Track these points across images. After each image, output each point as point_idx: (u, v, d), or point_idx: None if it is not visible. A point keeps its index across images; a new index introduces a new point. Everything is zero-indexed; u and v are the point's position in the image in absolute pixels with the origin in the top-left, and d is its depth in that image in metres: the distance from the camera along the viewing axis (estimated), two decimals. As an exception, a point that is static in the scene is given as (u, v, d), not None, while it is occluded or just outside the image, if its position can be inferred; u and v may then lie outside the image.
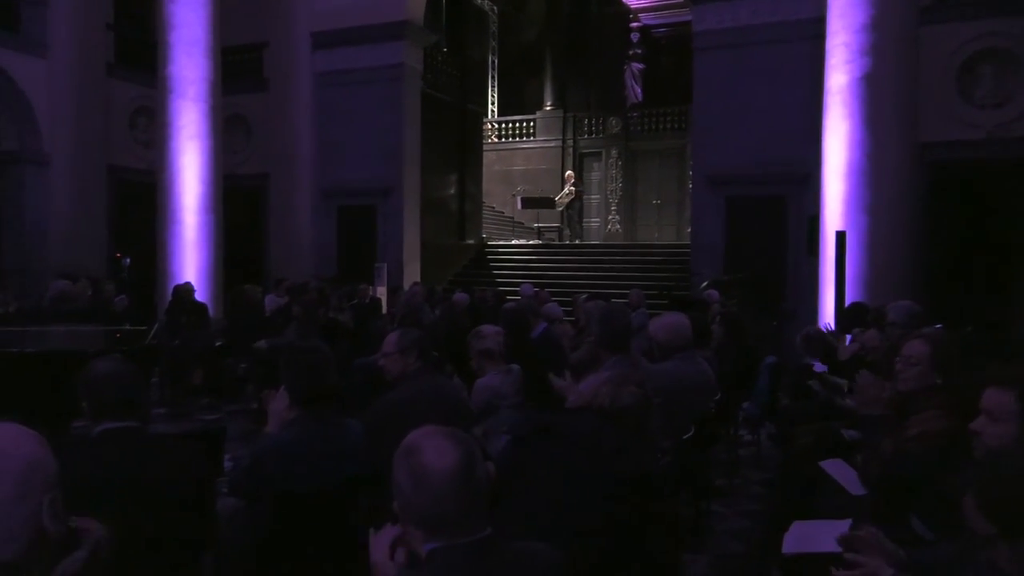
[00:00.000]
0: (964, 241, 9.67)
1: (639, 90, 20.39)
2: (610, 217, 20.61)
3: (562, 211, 18.16)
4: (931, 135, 9.53)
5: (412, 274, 13.52)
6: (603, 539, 2.43)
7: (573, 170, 20.96)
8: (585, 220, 21.42)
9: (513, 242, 17.83)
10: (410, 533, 1.58)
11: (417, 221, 13.96)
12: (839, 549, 2.13)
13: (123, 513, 1.68)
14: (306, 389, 2.81)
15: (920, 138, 9.39)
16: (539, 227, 18.33)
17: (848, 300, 8.30)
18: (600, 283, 12.95)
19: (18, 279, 11.48)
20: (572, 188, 18.07)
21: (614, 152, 20.72)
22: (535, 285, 10.10)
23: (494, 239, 17.96)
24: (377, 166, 13.42)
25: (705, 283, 10.08)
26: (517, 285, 10.33)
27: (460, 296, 8.36)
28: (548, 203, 18.23)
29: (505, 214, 20.66)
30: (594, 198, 21.28)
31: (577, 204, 18.10)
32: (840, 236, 8.66)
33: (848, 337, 5.77)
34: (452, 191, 15.77)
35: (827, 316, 8.83)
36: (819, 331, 5.89)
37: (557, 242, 18.86)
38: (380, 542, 1.74)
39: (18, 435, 1.21)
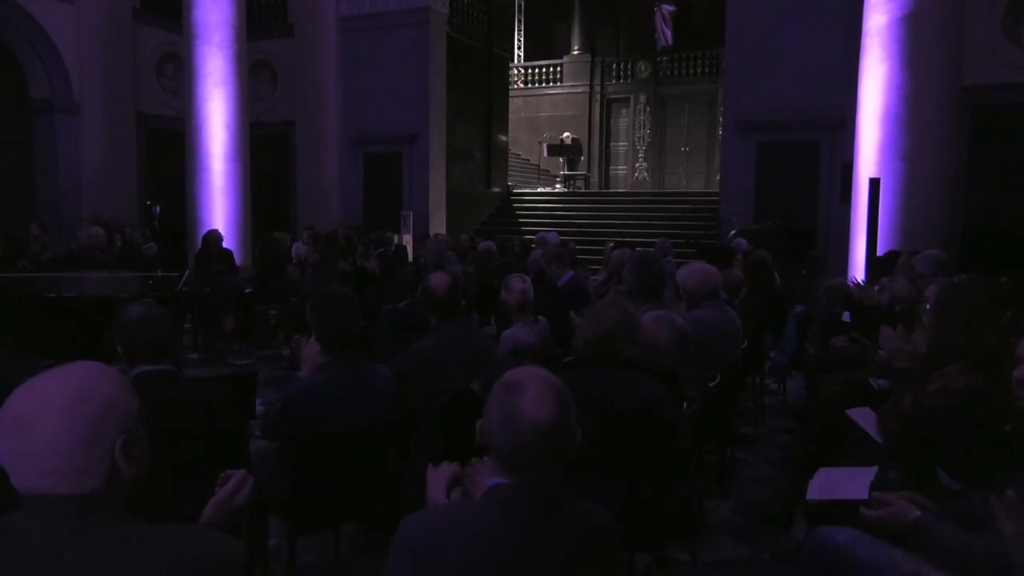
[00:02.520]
0: (1007, 189, 9.40)
1: (669, 33, 19.85)
2: (637, 165, 20.35)
3: (563, 161, 17.99)
4: (974, 78, 9.17)
5: (438, 222, 13.53)
6: (628, 486, 2.46)
7: (601, 117, 20.67)
8: (612, 168, 21.17)
9: (539, 190, 17.71)
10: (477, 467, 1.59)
11: (443, 168, 13.90)
12: (864, 496, 2.13)
13: (160, 453, 1.73)
14: (332, 335, 2.85)
15: (962, 81, 9.05)
16: (565, 174, 18.17)
17: (881, 250, 8.16)
18: (626, 231, 12.85)
19: (55, 228, 11.68)
20: (570, 140, 17.86)
21: (643, 98, 20.33)
22: (561, 234, 10.05)
23: (520, 187, 17.86)
24: (403, 112, 13.32)
25: (734, 231, 9.96)
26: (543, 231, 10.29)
27: (485, 244, 8.37)
28: (577, 150, 18.02)
29: (531, 161, 20.49)
30: (621, 145, 20.99)
31: (566, 146, 17.80)
32: (874, 183, 8.46)
33: (877, 287, 5.69)
34: (478, 138, 15.64)
35: (858, 266, 8.69)
36: (842, 283, 5.81)
37: (584, 190, 18.69)
38: (437, 479, 1.75)
39: (99, 374, 1.24)
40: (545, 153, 18.04)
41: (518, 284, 4.07)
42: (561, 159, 18.06)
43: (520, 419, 1.48)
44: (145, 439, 1.27)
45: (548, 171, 19.22)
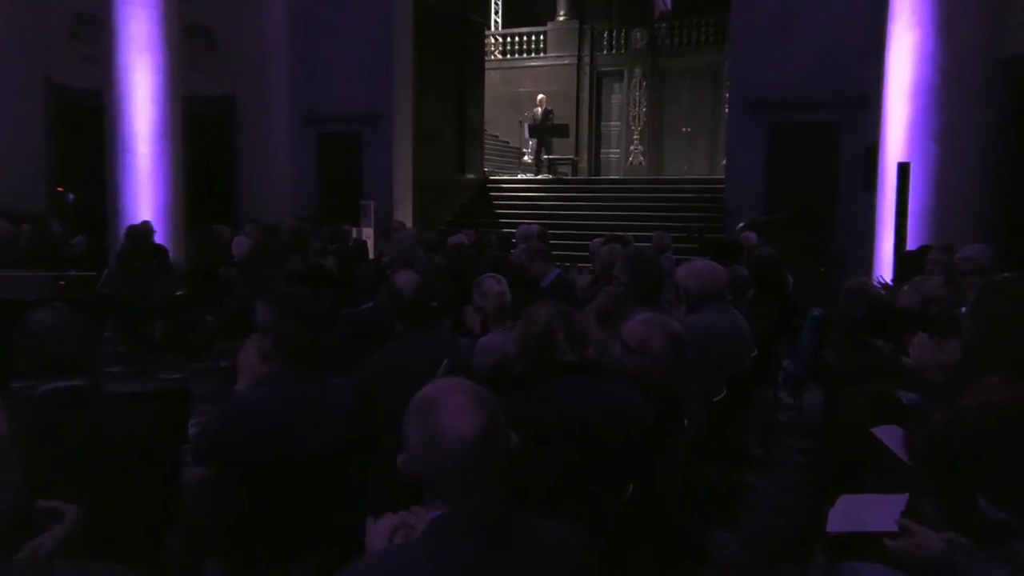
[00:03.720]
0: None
1: (669, -3, 20.00)
2: (632, 148, 20.46)
3: (533, 140, 18.06)
4: (1018, 47, 9.25)
5: (404, 213, 13.49)
6: (615, 515, 2.45)
7: (591, 93, 20.71)
8: (603, 151, 21.25)
9: (520, 176, 17.74)
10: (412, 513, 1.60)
11: (409, 152, 13.86)
12: (892, 527, 2.13)
13: (73, 484, 1.69)
14: (294, 339, 2.81)
15: (1004, 51, 9.12)
16: (549, 159, 18.21)
17: (911, 244, 8.24)
18: (619, 224, 12.87)
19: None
20: (540, 110, 17.93)
21: (638, 71, 20.43)
22: (546, 227, 10.05)
23: (497, 173, 17.85)
24: (363, 88, 13.28)
25: (742, 224, 10.03)
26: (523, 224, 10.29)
27: (457, 238, 8.34)
28: (562, 131, 18.06)
29: (510, 144, 20.50)
30: (614, 126, 21.08)
31: (536, 142, 17.87)
32: (903, 168, 8.54)
33: (907, 287, 5.75)
34: (450, 117, 15.61)
35: (885, 262, 8.78)
36: (865, 283, 5.87)
37: (570, 177, 18.71)
38: (379, 531, 1.75)
39: None
40: (526, 134, 18.07)
41: (493, 287, 4.08)
42: (530, 139, 18.07)
43: (442, 438, 1.51)
44: (18, 468, 1.24)
45: (528, 154, 19.28)
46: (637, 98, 20.46)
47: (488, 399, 1.58)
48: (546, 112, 17.79)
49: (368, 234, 11.80)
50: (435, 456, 1.51)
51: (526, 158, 19.04)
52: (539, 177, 17.30)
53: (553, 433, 2.49)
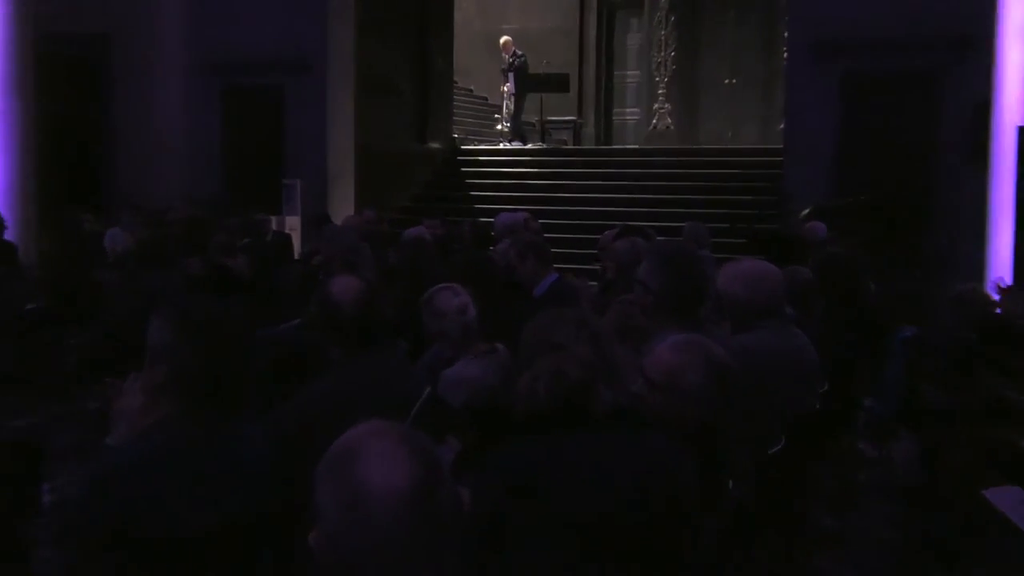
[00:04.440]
0: None
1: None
2: (656, 107, 20.50)
3: (508, 89, 18.20)
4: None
5: (342, 196, 13.49)
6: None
7: (599, 31, 20.77)
8: (617, 111, 21.33)
9: (502, 145, 17.77)
10: None
11: (351, 112, 13.88)
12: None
13: None
14: (194, 371, 2.80)
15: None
16: (542, 122, 18.25)
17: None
18: (638, 211, 12.94)
19: None
20: (510, 59, 17.98)
21: (664, 2, 20.51)
22: (537, 215, 10.06)
23: (471, 142, 17.88)
24: (286, 24, 13.29)
25: (806, 211, 10.08)
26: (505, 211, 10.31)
27: (415, 232, 8.35)
28: (559, 83, 18.12)
29: (489, 101, 20.51)
30: (631, 76, 21.19)
31: (519, 96, 17.92)
32: None
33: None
34: (406, 65, 15.63)
35: (1002, 260, 8.85)
36: (976, 291, 5.91)
37: (571, 146, 18.75)
38: None
39: None
40: (508, 85, 18.08)
41: (450, 303, 4.13)
42: (508, 91, 18.12)
43: (368, 495, 1.53)
44: None
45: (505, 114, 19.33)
46: (663, 38, 20.51)
47: (422, 443, 1.62)
48: (517, 59, 17.87)
49: (293, 225, 11.78)
50: (357, 523, 1.52)
51: (499, 126, 19.01)
52: (528, 147, 17.33)
53: (568, 506, 2.51)
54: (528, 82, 17.96)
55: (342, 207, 12.96)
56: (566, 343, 2.83)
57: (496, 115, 19.75)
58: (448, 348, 4.16)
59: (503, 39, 18.50)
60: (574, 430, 2.67)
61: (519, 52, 18.06)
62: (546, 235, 8.76)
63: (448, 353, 4.19)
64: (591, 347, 2.82)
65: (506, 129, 18.42)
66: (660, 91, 20.47)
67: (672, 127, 20.22)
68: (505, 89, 18.35)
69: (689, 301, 3.94)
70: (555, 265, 6.38)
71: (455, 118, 17.70)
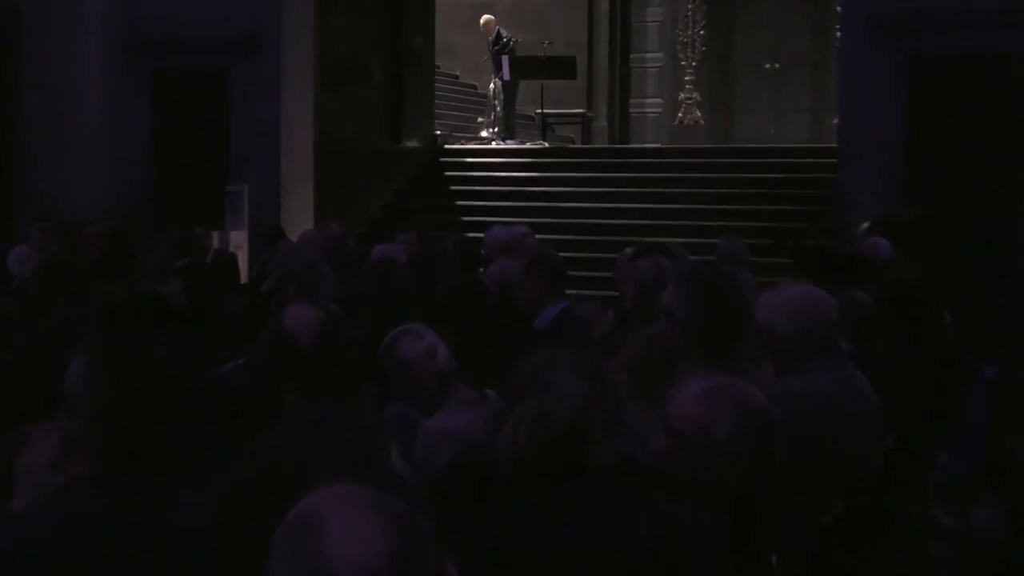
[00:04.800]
0: None
1: None
2: (683, 97, 20.54)
3: (491, 92, 18.19)
4: None
5: (299, 206, 13.47)
6: None
7: (613, 4, 20.80)
8: (635, 102, 21.34)
9: (494, 144, 17.74)
10: None
11: (310, 103, 13.89)
12: None
13: None
14: (121, 421, 2.79)
15: None
16: (544, 114, 18.25)
17: None
18: (662, 224, 12.93)
19: None
20: (494, 42, 17.99)
21: (691, -31, 20.64)
22: (537, 229, 10.05)
23: (457, 140, 17.91)
24: (230, -4, 13.33)
25: (866, 224, 10.07)
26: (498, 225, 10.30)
27: (387, 250, 8.36)
28: (563, 68, 18.12)
29: (479, 90, 20.50)
30: (652, 59, 21.22)
31: (512, 84, 17.88)
32: None
33: None
34: (378, 44, 15.63)
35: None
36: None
37: (578, 145, 18.76)
38: None
39: None
40: (506, 75, 18.06)
41: (413, 349, 4.11)
42: (492, 91, 18.11)
43: (330, 571, 1.54)
44: None
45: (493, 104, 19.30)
46: (690, 13, 20.56)
47: (402, 512, 1.62)
48: (504, 41, 17.92)
49: (239, 242, 11.75)
50: None
51: (482, 119, 18.92)
52: (527, 146, 17.32)
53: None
54: (524, 67, 17.93)
55: (299, 219, 12.90)
56: (558, 382, 2.82)
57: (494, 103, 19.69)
58: (424, 403, 4.12)
59: (483, 18, 18.50)
60: (561, 488, 2.66)
61: (504, 33, 18.07)
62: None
63: (422, 409, 4.15)
64: (589, 387, 2.80)
65: (494, 129, 18.34)
66: (687, 77, 20.48)
67: (702, 122, 20.22)
68: (493, 86, 18.28)
69: (725, 336, 3.89)
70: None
71: (437, 111, 17.70)
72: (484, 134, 18.33)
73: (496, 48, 17.88)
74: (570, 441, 2.70)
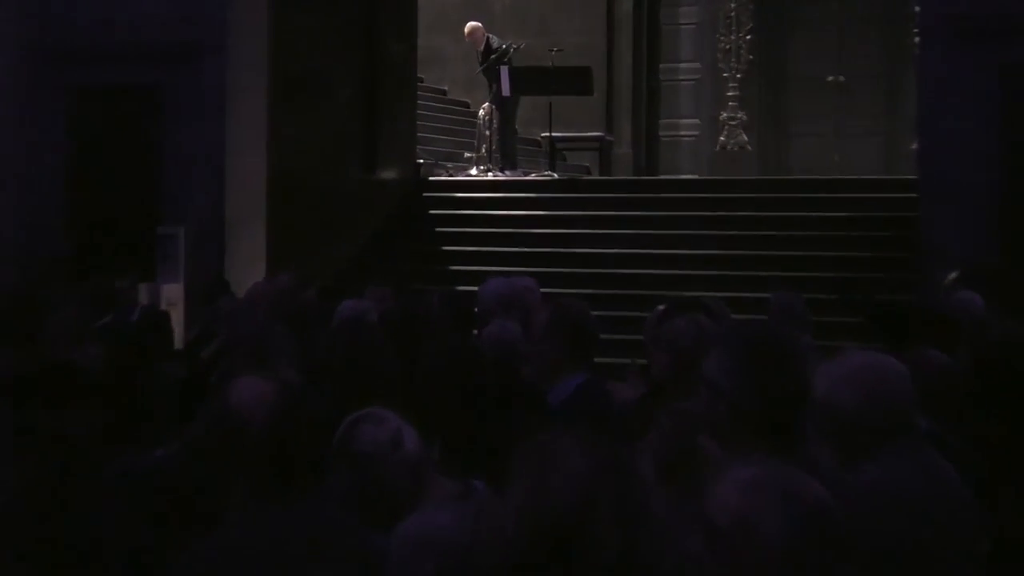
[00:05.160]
0: None
1: None
2: (725, 116, 20.62)
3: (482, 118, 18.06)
4: None
5: (249, 253, 13.48)
6: None
7: (639, 3, 20.89)
8: (666, 122, 21.41)
9: (491, 176, 17.75)
10: None
11: (263, 125, 13.92)
12: None
13: None
14: (22, 529, 2.80)
15: None
16: (552, 139, 18.27)
17: None
18: (701, 275, 13.01)
19: None
20: (480, 52, 18.03)
21: (735, -41, 20.77)
22: (543, 280, 10.05)
23: (442, 170, 17.95)
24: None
25: (954, 274, 10.09)
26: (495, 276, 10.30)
27: (355, 307, 8.37)
28: (576, 81, 18.16)
29: (472, 108, 20.54)
30: (686, 71, 21.32)
31: (511, 102, 17.82)
32: None
33: None
34: (348, 55, 15.69)
35: None
36: None
37: (595, 177, 18.78)
38: None
39: None
40: (505, 89, 18.07)
41: (373, 437, 4.06)
42: (483, 116, 18.09)
43: None
44: None
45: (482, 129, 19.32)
46: (734, 13, 20.68)
47: None
48: (491, 52, 17.96)
49: (173, 297, 11.76)
50: None
51: (470, 163, 18.69)
52: (530, 178, 17.34)
53: None
54: (528, 81, 17.98)
55: (248, 269, 12.83)
56: (565, 469, 2.82)
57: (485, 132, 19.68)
58: (393, 503, 4.06)
59: (468, 27, 18.54)
60: None
61: (496, 41, 18.13)
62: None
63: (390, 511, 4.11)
64: (594, 469, 2.80)
65: (484, 167, 18.17)
66: (730, 93, 20.59)
67: (749, 147, 20.31)
68: (484, 111, 18.13)
69: (777, 413, 3.86)
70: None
71: (420, 134, 17.78)
72: (474, 172, 18.11)
73: (493, 57, 17.87)
74: (564, 536, 2.70)
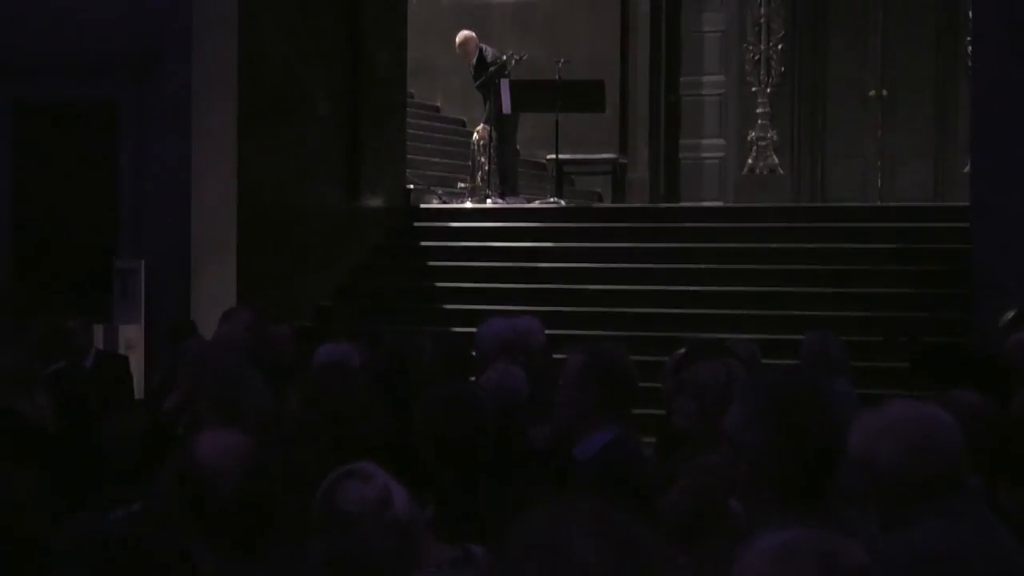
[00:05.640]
0: None
1: None
2: (754, 136, 20.66)
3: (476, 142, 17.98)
4: None
5: (217, 289, 13.47)
6: None
7: (656, 7, 20.95)
8: (687, 143, 21.43)
9: (489, 203, 17.75)
10: None
11: (232, 145, 13.95)
12: None
13: None
14: None
15: None
16: (559, 161, 18.26)
17: None
18: (726, 314, 13.06)
19: None
20: (474, 62, 18.05)
21: (764, -42, 20.83)
22: (548, 320, 10.08)
23: (436, 196, 17.98)
24: (120, 1, 13.41)
25: (1010, 313, 10.11)
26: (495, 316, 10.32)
27: (334, 352, 8.39)
28: (587, 96, 18.17)
29: (468, 127, 20.55)
30: (709, 86, 21.34)
31: (510, 120, 17.77)
32: None
33: None
34: (328, 66, 15.73)
35: None
36: None
37: (608, 204, 18.82)
38: None
39: None
40: (506, 106, 18.07)
41: (359, 496, 4.05)
42: (477, 140, 18.05)
43: None
44: None
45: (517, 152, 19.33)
46: (764, 20, 20.74)
47: None
48: (485, 66, 18.01)
49: (132, 340, 11.77)
50: None
51: (463, 194, 18.60)
52: (534, 205, 17.35)
53: None
54: (531, 96, 18.03)
55: (216, 307, 12.70)
56: (572, 551, 2.83)
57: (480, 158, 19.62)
58: (379, 569, 4.04)
59: (460, 36, 18.57)
60: None
61: (491, 52, 18.19)
62: (563, 355, 8.80)
63: None
64: (615, 558, 2.81)
65: (479, 184, 18.17)
66: (760, 109, 20.63)
67: (780, 170, 20.33)
68: (478, 134, 18.13)
69: (811, 471, 3.85)
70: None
71: (410, 155, 17.82)
72: (469, 205, 18.10)
73: (492, 70, 17.89)
74: None
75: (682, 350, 7.51)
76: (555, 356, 8.83)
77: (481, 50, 18.10)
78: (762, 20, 20.45)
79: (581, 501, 2.99)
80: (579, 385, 5.78)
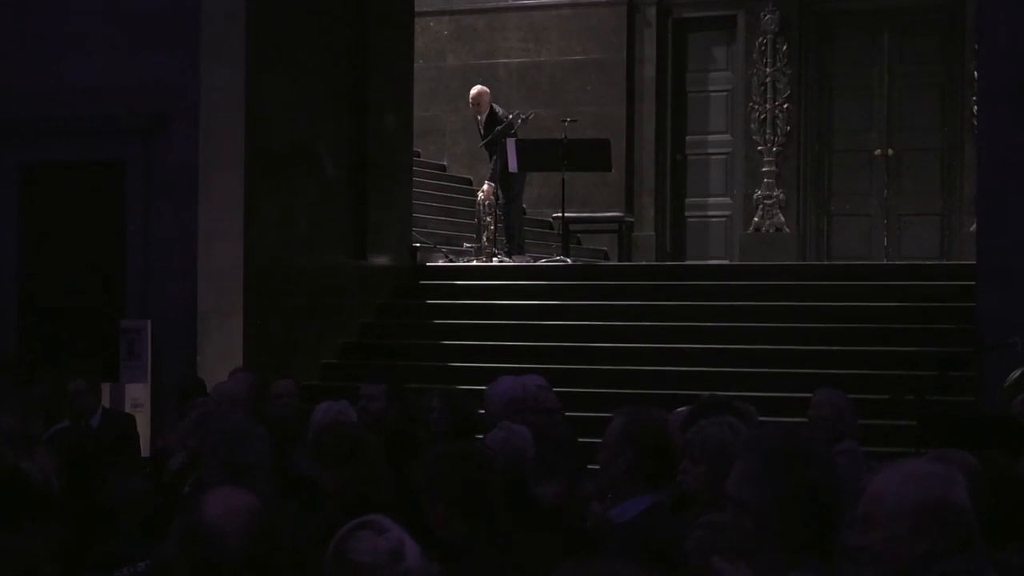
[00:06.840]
0: None
1: None
2: (760, 194, 20.64)
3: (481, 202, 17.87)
4: None
5: (225, 348, 13.45)
6: None
7: (661, 67, 20.97)
8: (692, 200, 21.42)
9: (495, 262, 17.72)
10: None
11: (239, 205, 13.97)
12: None
13: None
14: None
15: None
16: (566, 219, 18.25)
17: None
18: (731, 372, 13.10)
19: None
20: (482, 119, 18.12)
21: (770, 18, 20.80)
22: (554, 378, 10.05)
23: (438, 255, 17.93)
24: (128, 60, 13.45)
25: (1018, 372, 10.08)
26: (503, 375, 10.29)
27: (335, 411, 8.37)
28: (593, 156, 18.15)
29: (474, 187, 20.56)
30: (715, 143, 21.33)
31: (517, 178, 17.84)
32: None
33: None
34: (334, 128, 15.77)
35: None
36: None
37: (614, 262, 18.83)
38: None
39: None
40: (513, 164, 18.07)
41: (372, 549, 3.98)
42: (483, 200, 17.90)
43: None
44: None
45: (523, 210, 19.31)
46: (769, 80, 20.74)
47: None
48: (496, 123, 18.02)
49: (138, 399, 11.74)
50: None
51: (469, 254, 18.45)
52: (540, 263, 17.33)
53: None
54: (537, 155, 18.01)
55: (223, 366, 12.71)
56: None
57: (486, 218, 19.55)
58: None
59: (474, 91, 18.64)
60: None
61: (502, 111, 18.22)
62: (572, 413, 8.74)
63: None
64: None
65: (485, 244, 18.05)
66: (766, 168, 20.62)
67: (787, 229, 20.31)
68: (483, 194, 18.08)
69: (815, 532, 3.83)
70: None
71: (417, 214, 17.83)
72: (475, 263, 17.92)
73: (499, 128, 17.89)
74: None
75: (682, 409, 7.47)
76: (567, 414, 8.80)
77: (492, 108, 18.08)
78: (768, 80, 20.46)
79: (613, 562, 2.97)
80: (616, 451, 5.75)
